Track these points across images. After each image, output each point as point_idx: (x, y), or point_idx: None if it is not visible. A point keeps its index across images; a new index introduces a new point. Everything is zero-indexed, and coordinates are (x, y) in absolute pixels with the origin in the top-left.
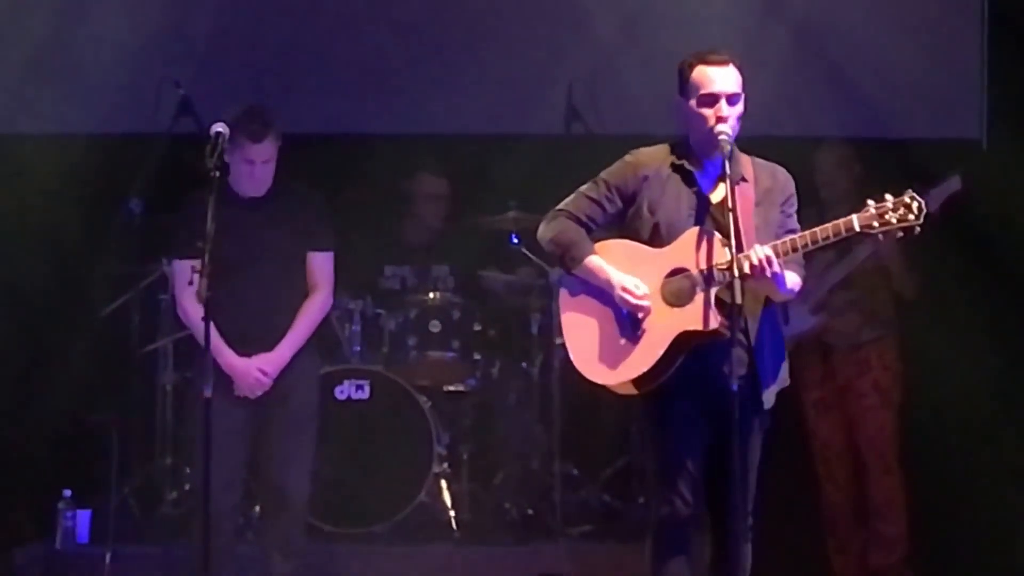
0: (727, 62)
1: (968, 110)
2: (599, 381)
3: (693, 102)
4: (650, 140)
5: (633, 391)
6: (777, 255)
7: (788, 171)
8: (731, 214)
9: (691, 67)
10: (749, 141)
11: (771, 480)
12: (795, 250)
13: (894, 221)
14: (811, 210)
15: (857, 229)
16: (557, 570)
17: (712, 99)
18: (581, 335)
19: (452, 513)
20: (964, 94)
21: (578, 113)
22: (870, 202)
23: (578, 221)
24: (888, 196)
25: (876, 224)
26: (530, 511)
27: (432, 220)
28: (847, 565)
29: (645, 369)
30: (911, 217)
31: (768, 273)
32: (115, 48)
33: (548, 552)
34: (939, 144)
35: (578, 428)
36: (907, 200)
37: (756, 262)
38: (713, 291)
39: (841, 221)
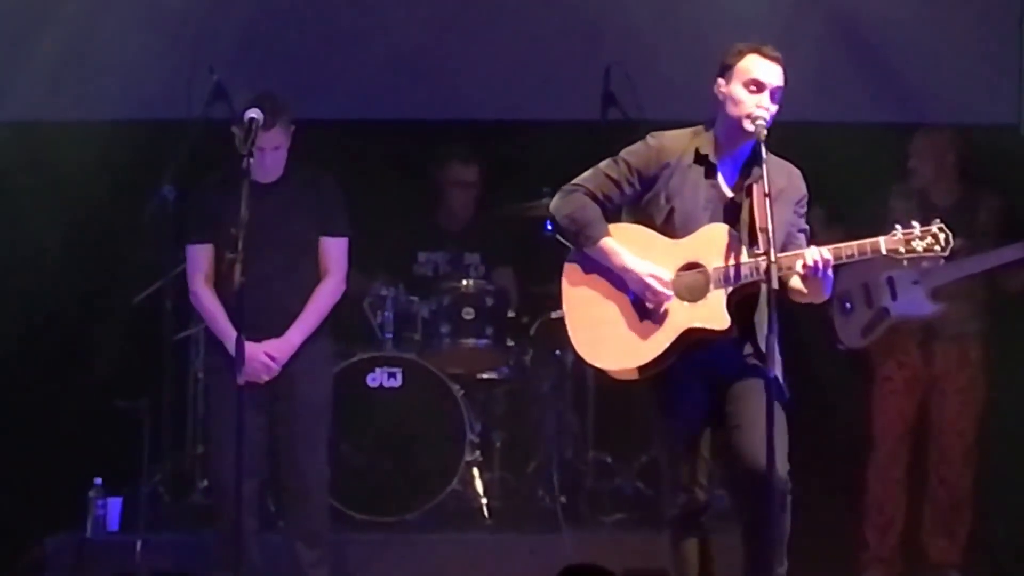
0: (779, 60)
1: (1005, 95)
2: (598, 365)
3: (738, 85)
4: (688, 126)
5: (628, 377)
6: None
7: (821, 156)
8: (767, 198)
9: (742, 54)
10: (783, 127)
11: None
12: None
13: (920, 249)
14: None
15: (883, 252)
16: (590, 558)
17: (759, 87)
18: (585, 315)
19: (484, 501)
20: (1001, 79)
21: (614, 98)
22: (898, 227)
23: (595, 199)
24: (915, 223)
25: (902, 249)
26: (563, 499)
27: (462, 208)
28: (891, 544)
29: (648, 360)
30: (937, 248)
31: (820, 274)
32: (148, 34)
33: (581, 540)
34: (976, 129)
35: (612, 416)
36: (935, 230)
37: (811, 263)
38: (729, 290)
39: (868, 241)
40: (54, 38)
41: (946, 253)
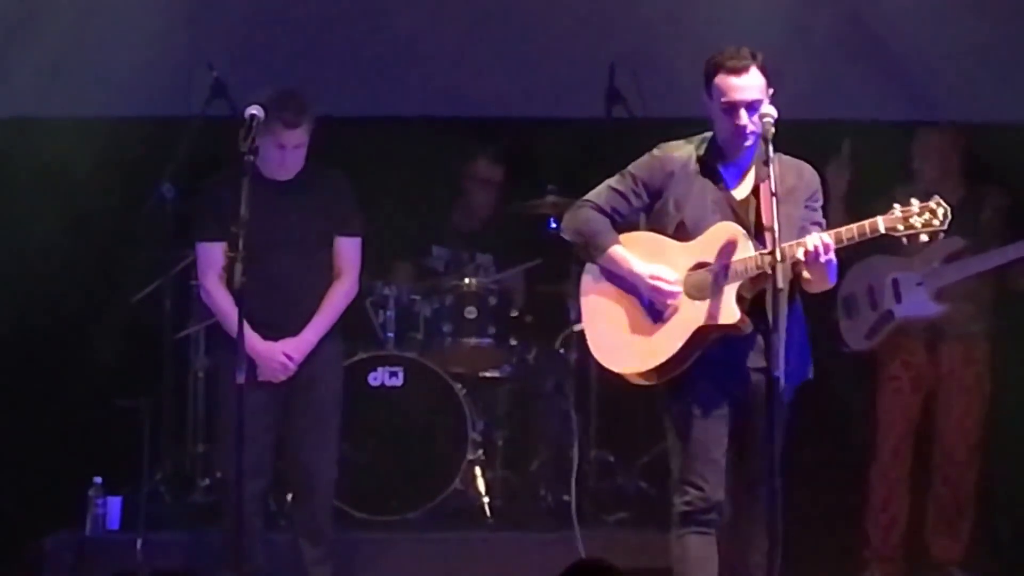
0: (747, 68)
1: (1013, 93)
2: (616, 369)
3: (715, 105)
4: (694, 123)
5: (647, 381)
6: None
7: (828, 155)
8: (774, 198)
9: (715, 69)
10: (795, 124)
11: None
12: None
13: (918, 225)
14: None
15: (882, 230)
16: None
17: (732, 107)
18: (601, 322)
19: (486, 500)
20: (1010, 77)
21: (620, 95)
22: (896, 205)
23: (603, 212)
24: (914, 200)
25: (901, 227)
26: (565, 498)
27: (482, 207)
28: (894, 542)
29: (662, 360)
30: (936, 223)
31: (823, 259)
32: (147, 29)
33: (583, 539)
34: (984, 127)
35: (615, 415)
36: (932, 205)
37: (812, 248)
38: (736, 285)
39: (867, 222)
40: (52, 32)
41: (944, 227)
